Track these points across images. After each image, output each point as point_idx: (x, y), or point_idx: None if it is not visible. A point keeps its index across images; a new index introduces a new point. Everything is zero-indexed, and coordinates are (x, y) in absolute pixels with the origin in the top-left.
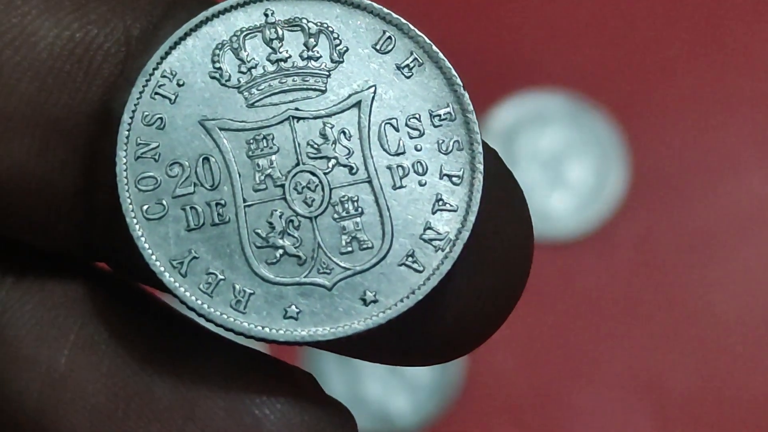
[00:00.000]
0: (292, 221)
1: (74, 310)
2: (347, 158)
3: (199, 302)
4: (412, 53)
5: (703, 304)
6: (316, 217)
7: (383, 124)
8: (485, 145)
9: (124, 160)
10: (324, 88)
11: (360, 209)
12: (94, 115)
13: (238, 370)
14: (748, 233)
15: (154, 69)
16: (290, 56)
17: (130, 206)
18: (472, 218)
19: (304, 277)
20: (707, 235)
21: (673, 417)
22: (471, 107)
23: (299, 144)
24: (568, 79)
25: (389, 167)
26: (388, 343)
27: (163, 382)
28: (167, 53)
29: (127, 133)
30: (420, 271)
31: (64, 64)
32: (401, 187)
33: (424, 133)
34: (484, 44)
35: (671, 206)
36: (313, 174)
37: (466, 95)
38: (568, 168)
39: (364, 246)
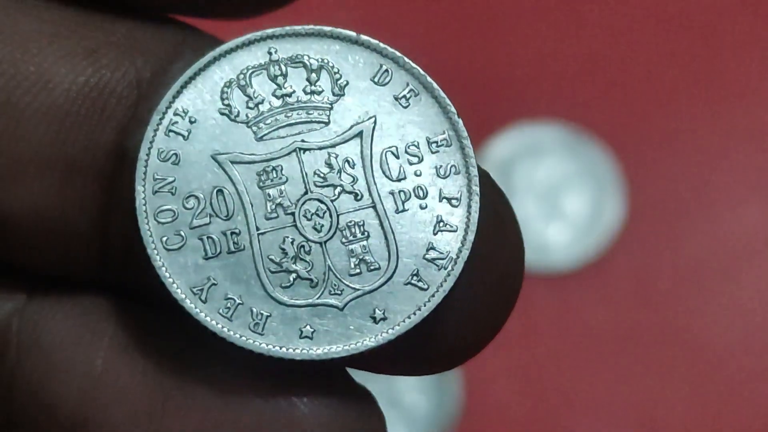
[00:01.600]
0: (303, 246)
1: (105, 316)
2: (352, 185)
3: (220, 326)
4: (408, 84)
5: (700, 336)
6: (325, 242)
7: (384, 152)
8: (479, 168)
9: (143, 195)
10: (327, 120)
11: (366, 233)
12: (108, 155)
13: (269, 367)
14: (744, 265)
15: (167, 108)
16: (294, 91)
17: (151, 238)
18: (471, 237)
19: (317, 298)
20: (704, 267)
21: None
22: (465, 133)
23: (306, 174)
24: (565, 110)
25: (392, 192)
26: (397, 356)
27: (198, 377)
28: (179, 92)
29: (144, 169)
30: (425, 289)
31: (80, 108)
32: (404, 210)
33: (422, 159)
34: (481, 76)
35: (667, 238)
36: (321, 201)
37: (461, 122)
38: (565, 199)
39: (372, 267)
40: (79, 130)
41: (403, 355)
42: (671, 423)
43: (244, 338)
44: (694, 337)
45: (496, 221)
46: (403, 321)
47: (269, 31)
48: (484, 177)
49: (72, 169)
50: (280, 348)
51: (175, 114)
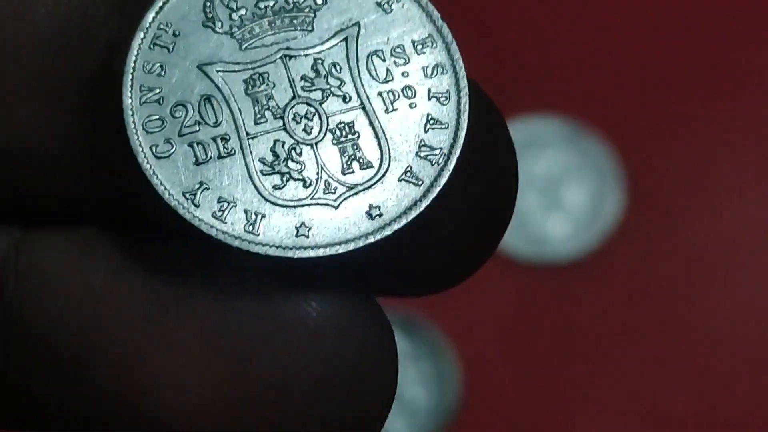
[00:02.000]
0: (294, 148)
1: (102, 241)
2: (340, 88)
3: (215, 229)
4: None
5: (700, 328)
6: (316, 143)
7: (370, 55)
8: (468, 78)
9: (131, 106)
10: (311, 28)
11: (357, 133)
12: (95, 78)
13: (267, 268)
14: (745, 255)
15: (150, 23)
16: (277, 1)
17: (140, 147)
18: (462, 133)
19: (311, 198)
20: (704, 258)
21: None
22: (450, 35)
23: (293, 79)
24: (565, 103)
25: (380, 93)
26: (397, 265)
27: (199, 285)
28: (161, 8)
29: (130, 81)
30: (419, 185)
31: (64, 30)
32: (393, 110)
33: (409, 61)
34: (480, 69)
35: (668, 229)
36: (310, 105)
37: (445, 24)
38: (565, 192)
39: (365, 165)
40: (64, 54)
41: (404, 263)
42: (672, 414)
43: (239, 240)
44: (694, 328)
45: (485, 119)
46: (399, 217)
47: None
48: (472, 82)
49: (58, 93)
50: (276, 248)
51: (159, 28)
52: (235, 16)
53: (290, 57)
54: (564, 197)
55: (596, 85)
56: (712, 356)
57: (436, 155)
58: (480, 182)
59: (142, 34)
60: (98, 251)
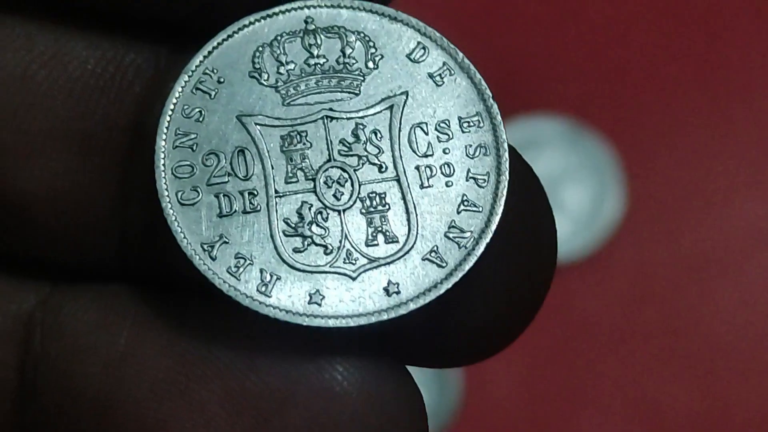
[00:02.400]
0: (321, 213)
1: (126, 300)
2: (377, 157)
3: (227, 285)
4: (444, 63)
5: (700, 328)
6: (344, 210)
7: (414, 128)
8: (511, 149)
9: (163, 148)
10: (358, 92)
11: (387, 205)
12: (127, 131)
13: (278, 331)
14: (744, 256)
15: (196, 66)
16: (327, 60)
17: (166, 191)
18: (496, 219)
19: (330, 266)
20: (703, 259)
21: None
22: (499, 115)
23: (331, 141)
24: (565, 103)
25: (417, 167)
26: (416, 339)
27: (222, 345)
28: (210, 53)
29: (167, 123)
30: (443, 267)
31: (97, 82)
32: (428, 186)
33: (452, 137)
34: (481, 69)
35: (667, 230)
36: (344, 170)
37: (495, 104)
38: (565, 192)
39: (390, 239)
40: (97, 105)
41: (423, 339)
42: (672, 415)
43: (250, 299)
44: (693, 328)
45: (526, 204)
46: (417, 297)
47: (309, 1)
48: (514, 155)
49: (89, 144)
50: (286, 312)
51: (204, 73)
52: (282, 70)
53: (332, 119)
54: (563, 197)
55: (596, 86)
56: (712, 356)
57: (465, 238)
58: (514, 269)
59: (186, 77)
60: (124, 310)
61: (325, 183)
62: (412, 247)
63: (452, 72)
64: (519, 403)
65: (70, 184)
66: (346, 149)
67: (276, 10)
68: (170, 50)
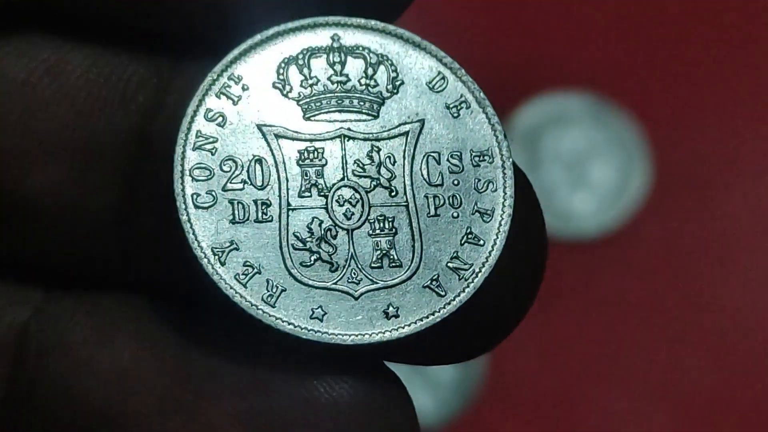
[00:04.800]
0: (330, 230)
1: (128, 311)
2: (390, 181)
3: (233, 291)
4: (462, 96)
5: (724, 305)
6: (353, 229)
7: (427, 156)
8: (523, 179)
9: (182, 148)
10: (376, 114)
11: (395, 229)
12: (131, 140)
13: (298, 352)
14: None
15: (222, 71)
16: (350, 80)
17: (182, 192)
18: (496, 253)
19: (334, 283)
20: (729, 236)
21: (691, 418)
22: (509, 153)
23: (347, 161)
24: (591, 80)
25: (427, 196)
26: (405, 350)
27: (230, 364)
28: (236, 59)
29: (189, 124)
30: (442, 296)
31: (100, 90)
32: (436, 215)
33: (463, 170)
34: (508, 46)
35: (693, 206)
36: (356, 190)
37: (507, 142)
38: (591, 168)
39: (394, 264)
40: (100, 113)
41: (411, 350)
42: (695, 391)
43: (255, 307)
44: (717, 305)
45: (524, 238)
46: (414, 322)
47: (337, 18)
48: (525, 189)
49: (94, 152)
50: (288, 324)
51: (230, 78)
52: (306, 84)
53: (349, 138)
54: (589, 173)
55: (623, 63)
56: (736, 333)
57: (466, 270)
58: (499, 297)
59: (211, 80)
60: (125, 322)
61: (337, 201)
62: (415, 273)
63: (469, 105)
64: (541, 379)
65: (73, 190)
66: (360, 170)
67: (305, 22)
68: (171, 62)
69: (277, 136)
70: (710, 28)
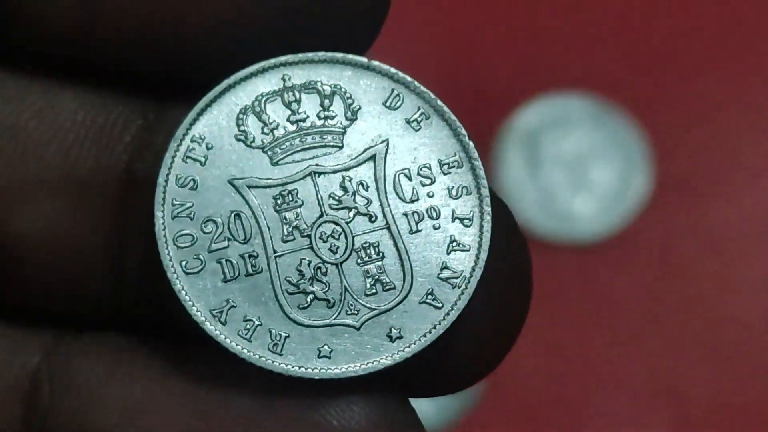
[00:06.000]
0: (319, 268)
1: (135, 350)
2: (366, 207)
3: (240, 347)
4: (419, 108)
5: (725, 308)
6: (341, 263)
7: (397, 174)
8: (491, 190)
9: (162, 220)
10: (341, 144)
11: (381, 253)
12: (118, 179)
13: (292, 385)
14: None
15: (184, 134)
16: (308, 116)
17: (170, 262)
18: (483, 256)
19: (334, 319)
20: (730, 239)
21: (692, 421)
22: (476, 154)
23: (322, 197)
24: (592, 81)
25: (405, 214)
26: (414, 377)
27: (239, 393)
28: (195, 120)
29: (163, 194)
30: (439, 308)
31: (88, 132)
32: (417, 231)
33: (435, 181)
34: (508, 47)
35: (694, 209)
36: (336, 224)
37: (471, 144)
38: (592, 170)
39: (387, 287)
40: (88, 153)
41: (420, 375)
42: (695, 395)
43: (263, 359)
44: (719, 308)
45: (506, 241)
46: (419, 339)
47: (283, 58)
48: (494, 197)
49: (82, 191)
50: (299, 368)
51: (192, 140)
52: (267, 130)
53: (319, 174)
54: (590, 176)
55: (624, 64)
56: (736, 335)
57: (457, 278)
58: (497, 302)
59: (175, 146)
60: (133, 360)
61: (320, 238)
62: (409, 292)
63: (428, 116)
64: (542, 383)
65: (64, 230)
66: (336, 203)
67: (253, 69)
68: (157, 102)
69: (250, 187)
70: (711, 30)
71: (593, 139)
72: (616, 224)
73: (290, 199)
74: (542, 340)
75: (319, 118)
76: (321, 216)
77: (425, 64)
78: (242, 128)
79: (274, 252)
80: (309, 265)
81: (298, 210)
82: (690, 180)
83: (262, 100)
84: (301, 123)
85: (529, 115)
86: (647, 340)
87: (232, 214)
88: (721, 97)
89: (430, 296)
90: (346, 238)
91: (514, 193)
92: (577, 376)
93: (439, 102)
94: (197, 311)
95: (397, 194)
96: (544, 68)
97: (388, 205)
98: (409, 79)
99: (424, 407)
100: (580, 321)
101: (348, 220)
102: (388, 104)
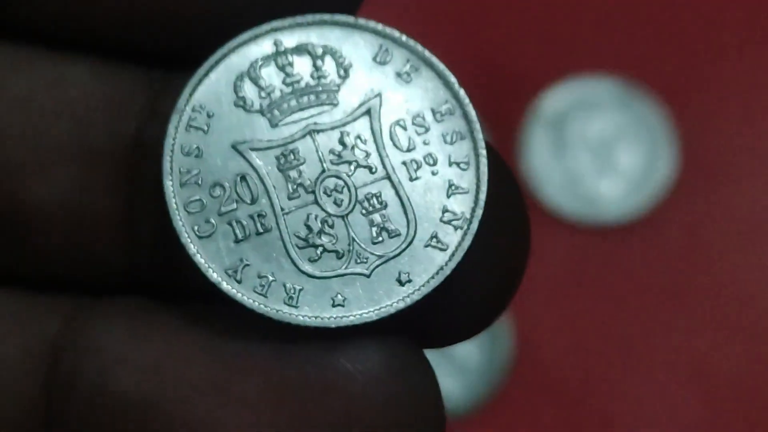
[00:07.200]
0: (326, 221)
1: (152, 310)
2: (366, 160)
3: (257, 303)
4: (408, 61)
5: (750, 289)
6: (346, 215)
7: (393, 126)
8: (486, 145)
9: (171, 188)
10: (336, 102)
11: (384, 202)
12: (129, 146)
13: (309, 336)
14: None
15: (185, 105)
16: (302, 78)
17: (183, 228)
18: (482, 197)
19: (345, 268)
20: (756, 221)
21: (721, 400)
22: (467, 100)
23: (322, 153)
24: (618, 64)
25: (404, 163)
26: (425, 323)
27: (257, 341)
28: (194, 89)
29: (170, 164)
30: (444, 249)
31: (98, 102)
32: (417, 178)
33: (429, 129)
34: (534, 30)
35: (720, 192)
36: (339, 177)
37: (462, 91)
38: (618, 153)
39: (393, 234)
40: (99, 122)
41: (431, 322)
42: (723, 374)
43: (280, 312)
44: (744, 289)
45: (500, 182)
46: (428, 282)
47: (274, 23)
48: (486, 143)
49: (94, 159)
50: (315, 318)
51: (193, 110)
52: (264, 94)
53: (318, 131)
54: (616, 158)
55: (651, 47)
56: (763, 317)
57: (458, 220)
58: (498, 246)
59: (177, 117)
60: (152, 320)
61: (324, 193)
62: (414, 237)
63: (417, 68)
64: (569, 363)
65: (79, 197)
66: (336, 158)
67: (245, 37)
68: (163, 72)
69: (252, 150)
70: (741, 9)
71: (619, 122)
72: (642, 207)
73: (292, 158)
74: (568, 322)
75: (313, 78)
76: (323, 172)
77: (451, 47)
78: (240, 94)
79: (282, 210)
80: (316, 219)
81: (301, 168)
82: (717, 163)
83: (257, 66)
84: (296, 84)
85: (554, 98)
86: (675, 320)
87: (238, 177)
88: (749, 80)
89: (434, 239)
90: (349, 190)
91: (540, 176)
92: (604, 358)
93: (427, 53)
94: (213, 272)
95: (394, 145)
96: (570, 50)
97: (387, 156)
98: (396, 33)
99: (450, 388)
100: (606, 302)
101: (349, 173)
102: (377, 59)
